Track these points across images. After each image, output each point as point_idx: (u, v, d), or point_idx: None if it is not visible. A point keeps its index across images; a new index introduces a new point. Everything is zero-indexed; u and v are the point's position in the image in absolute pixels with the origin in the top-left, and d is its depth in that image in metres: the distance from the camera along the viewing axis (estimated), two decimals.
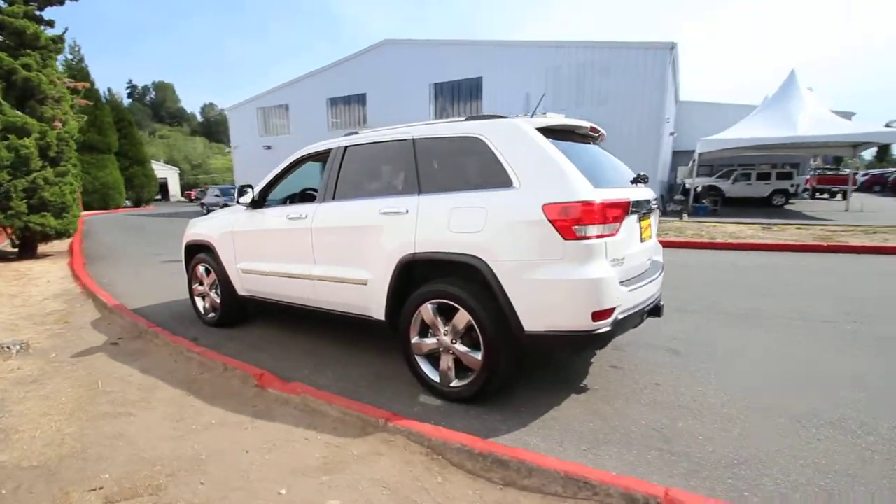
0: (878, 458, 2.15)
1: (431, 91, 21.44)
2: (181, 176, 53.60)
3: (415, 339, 2.92)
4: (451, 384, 2.79)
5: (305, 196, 4.49)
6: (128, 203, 31.70)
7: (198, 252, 4.54)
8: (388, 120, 20.50)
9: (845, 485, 1.97)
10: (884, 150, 44.89)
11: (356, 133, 3.52)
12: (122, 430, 2.45)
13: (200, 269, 4.48)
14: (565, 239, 2.38)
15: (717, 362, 3.29)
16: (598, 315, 2.41)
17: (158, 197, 39.23)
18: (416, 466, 2.11)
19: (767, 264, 6.99)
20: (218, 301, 4.35)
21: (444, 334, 2.78)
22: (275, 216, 3.76)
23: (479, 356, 2.65)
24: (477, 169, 2.77)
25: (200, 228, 4.51)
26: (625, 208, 2.59)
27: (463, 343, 2.74)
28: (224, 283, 4.22)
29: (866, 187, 28.77)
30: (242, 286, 4.09)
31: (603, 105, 17.42)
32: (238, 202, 4.08)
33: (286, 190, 4.22)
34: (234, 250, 4.07)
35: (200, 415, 2.62)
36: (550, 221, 2.39)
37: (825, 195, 24.52)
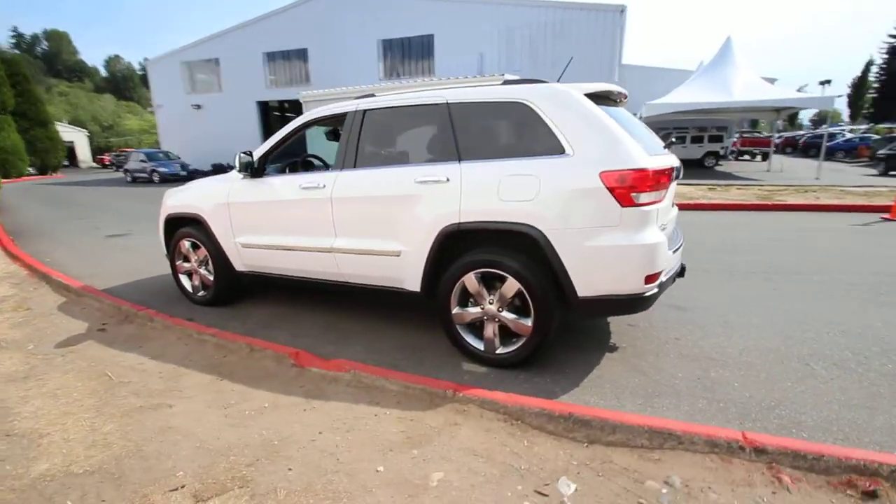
0: (884, 391, 2.49)
1: (379, 48, 20.47)
2: (90, 139, 47.86)
3: (456, 310, 2.91)
4: (497, 351, 2.84)
5: (307, 164, 4.21)
6: (31, 171, 27.95)
7: (181, 226, 4.15)
8: (333, 78, 19.41)
9: (868, 416, 2.27)
10: (795, 114, 49.29)
11: (371, 96, 3.31)
12: (169, 423, 2.27)
13: (186, 244, 4.11)
14: (623, 206, 2.43)
15: (720, 315, 3.59)
16: (649, 278, 2.53)
17: (66, 163, 34.87)
18: (498, 433, 2.16)
19: (724, 223, 7.60)
20: (211, 278, 4.04)
21: (490, 303, 2.80)
22: (283, 186, 3.50)
23: (528, 322, 2.70)
24: (523, 136, 2.72)
25: (184, 200, 4.11)
26: (670, 175, 2.68)
27: (509, 310, 2.77)
28: (218, 259, 3.92)
29: (780, 149, 31.67)
30: (242, 261, 3.82)
31: (556, 67, 17.45)
32: (234, 170, 3.76)
33: (280, 157, 3.93)
34: (230, 223, 3.76)
35: (247, 399, 2.48)
36: (608, 189, 2.43)
37: (746, 157, 26.71)
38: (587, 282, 2.53)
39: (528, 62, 18.13)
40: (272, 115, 25.26)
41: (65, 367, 2.94)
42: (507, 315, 2.77)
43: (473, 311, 2.87)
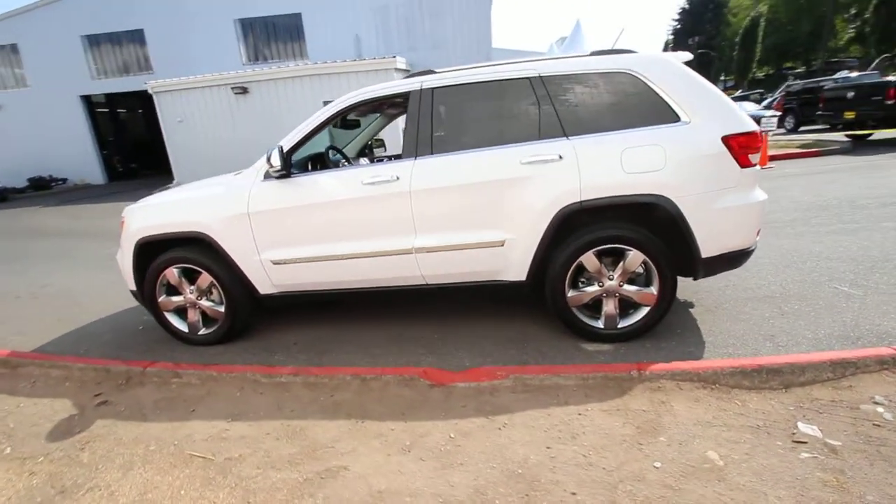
0: None
1: (238, 28, 18.17)
2: None
3: (572, 293, 2.82)
4: (619, 325, 2.83)
5: (318, 159, 3.58)
6: None
7: (164, 250, 3.22)
8: (183, 65, 16.77)
9: None
10: None
11: (431, 72, 2.93)
12: (371, 488, 1.77)
13: (174, 273, 3.20)
14: (741, 167, 2.59)
15: (758, 258, 3.83)
16: (758, 232, 2.76)
17: None
18: (708, 400, 2.17)
19: None
20: (220, 309, 3.24)
21: (609, 279, 2.77)
22: (334, 184, 2.92)
23: (653, 291, 2.74)
24: (631, 106, 2.68)
25: (171, 216, 3.18)
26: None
27: (630, 283, 2.78)
28: (234, 284, 3.15)
29: None
30: (272, 282, 3.13)
31: (437, 49, 17.56)
32: (241, 172, 3.02)
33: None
34: (253, 238, 3.03)
35: (422, 435, 2.06)
36: (731, 152, 2.55)
37: None
38: (710, 242, 2.65)
39: (407, 43, 17.86)
40: (113, 110, 20.92)
41: (106, 463, 2.10)
42: (630, 288, 2.77)
43: (591, 289, 2.81)
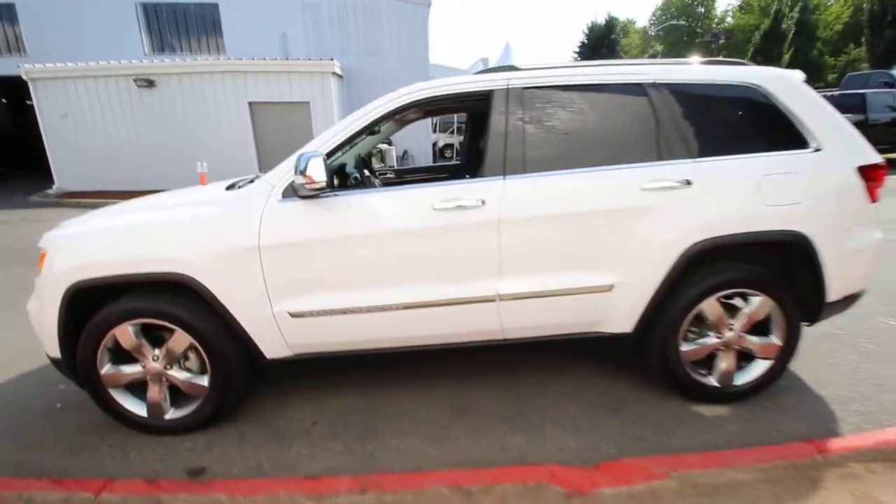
0: None
1: (139, 13, 15.83)
2: None
3: (686, 346, 2.33)
4: (736, 383, 2.40)
5: (340, 173, 2.73)
6: None
7: (110, 298, 2.16)
8: (68, 49, 14.16)
9: None
10: None
11: (514, 69, 2.30)
12: None
13: (128, 332, 2.16)
14: (871, 202, 2.30)
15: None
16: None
17: None
18: None
19: None
20: (203, 382, 2.24)
21: (730, 329, 2.32)
22: (393, 209, 2.13)
23: (777, 341, 2.35)
24: (755, 126, 2.29)
25: (133, 248, 2.12)
26: None
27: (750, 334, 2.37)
28: (228, 346, 2.20)
29: None
30: (290, 340, 2.23)
31: (373, 55, 16.73)
32: (245, 185, 2.13)
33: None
34: (264, 281, 2.12)
35: None
36: (864, 185, 2.25)
37: None
38: (838, 285, 2.32)
39: (340, 46, 16.81)
40: None
41: None
42: (752, 339, 2.35)
43: (709, 342, 2.34)
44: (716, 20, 41.97)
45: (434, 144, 18.12)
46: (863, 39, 27.78)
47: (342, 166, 2.74)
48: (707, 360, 2.40)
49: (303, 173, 1.96)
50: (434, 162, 16.64)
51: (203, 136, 12.84)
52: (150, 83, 12.70)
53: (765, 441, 2.13)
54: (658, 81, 2.22)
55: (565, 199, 2.14)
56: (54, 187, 12.59)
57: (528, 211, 2.12)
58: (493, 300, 2.19)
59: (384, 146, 12.14)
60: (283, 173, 2.14)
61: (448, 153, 19.30)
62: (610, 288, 2.21)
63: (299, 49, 16.44)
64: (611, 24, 39.67)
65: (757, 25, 33.46)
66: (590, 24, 39.84)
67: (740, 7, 39.88)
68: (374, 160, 4.13)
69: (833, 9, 33.93)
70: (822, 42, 32.67)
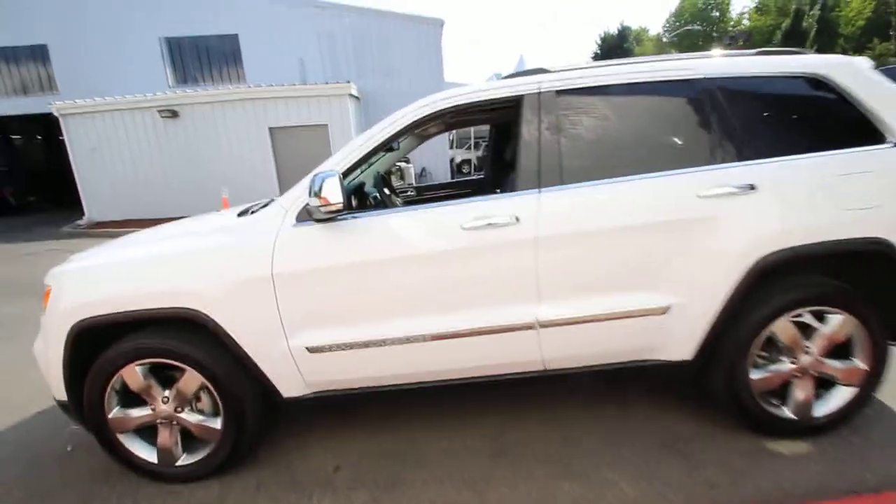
0: None
1: (164, 48, 16.40)
2: None
3: (756, 374, 2.03)
4: (815, 414, 2.08)
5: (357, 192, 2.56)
6: None
7: (118, 335, 2.01)
8: (96, 85, 14.68)
9: None
10: None
11: (544, 71, 2.10)
12: None
13: (136, 373, 1.99)
14: None
15: None
16: None
17: None
18: None
19: None
20: (216, 425, 2.05)
21: (806, 352, 2.02)
22: (417, 230, 1.93)
23: (862, 365, 2.03)
24: (823, 120, 2.02)
25: (139, 282, 1.96)
26: None
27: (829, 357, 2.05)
28: (241, 386, 2.01)
29: None
30: (308, 378, 2.03)
31: (388, 77, 16.87)
32: (257, 210, 1.96)
33: None
34: (279, 313, 1.94)
35: None
36: None
37: None
38: None
39: (356, 70, 17.04)
40: (6, 135, 17.79)
41: None
42: (833, 363, 2.04)
43: (785, 367, 2.03)
44: (731, 23, 41.36)
45: (451, 160, 18.05)
46: (891, 32, 26.90)
47: (360, 186, 2.57)
48: (780, 389, 2.09)
49: (317, 195, 1.78)
50: (452, 178, 16.53)
51: (225, 162, 13.06)
52: (174, 113, 13.02)
53: (859, 485, 1.82)
54: (710, 76, 1.98)
55: (609, 211, 1.90)
56: (84, 218, 12.92)
57: (568, 227, 1.89)
58: (531, 327, 1.95)
59: (403, 164, 12.10)
60: (297, 196, 1.97)
61: (465, 168, 19.22)
62: (665, 310, 1.95)
63: (317, 74, 16.72)
64: (623, 33, 39.56)
65: (775, 26, 32.80)
66: (602, 35, 39.83)
67: (757, 9, 39.22)
68: (393, 178, 3.96)
69: (853, 4, 33.01)
70: (844, 39, 31.74)
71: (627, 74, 2.00)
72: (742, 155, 1.93)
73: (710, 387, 2.11)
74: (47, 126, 17.27)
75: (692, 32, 39.36)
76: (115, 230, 11.02)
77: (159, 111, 12.92)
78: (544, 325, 1.94)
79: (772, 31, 33.16)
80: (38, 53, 15.79)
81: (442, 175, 16.30)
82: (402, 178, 10.38)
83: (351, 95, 13.76)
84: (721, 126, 1.94)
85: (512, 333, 1.96)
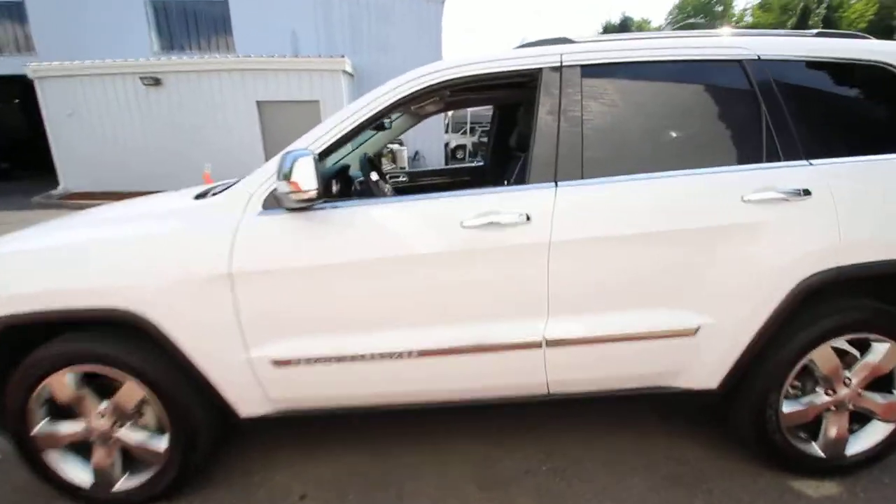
0: None
1: (149, 11, 15.56)
2: None
3: (789, 407, 1.77)
4: (847, 453, 1.84)
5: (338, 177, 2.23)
6: None
7: (47, 335, 1.67)
8: (75, 48, 13.83)
9: None
10: None
11: (567, 41, 1.76)
12: None
13: (65, 381, 1.66)
14: None
15: None
16: None
17: None
18: None
19: None
20: (161, 445, 1.74)
21: (846, 384, 1.76)
22: (410, 224, 1.62)
23: None
24: (886, 116, 1.73)
25: (69, 274, 1.61)
26: None
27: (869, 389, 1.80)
28: (192, 400, 1.70)
29: None
30: (273, 394, 1.72)
31: (385, 53, 16.25)
32: (216, 193, 1.63)
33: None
34: (238, 319, 1.62)
35: None
36: None
37: None
38: None
39: (351, 45, 16.38)
40: None
41: None
42: (873, 397, 1.79)
43: (821, 399, 1.77)
44: (734, 18, 40.94)
45: (446, 145, 17.57)
46: (895, 37, 26.83)
47: (344, 169, 2.23)
48: (812, 423, 1.84)
49: (287, 178, 1.44)
50: (446, 164, 16.10)
51: (210, 135, 12.50)
52: (157, 81, 12.38)
53: None
54: (762, 57, 1.67)
55: (639, 213, 1.61)
56: (59, 188, 12.32)
57: (590, 230, 1.59)
58: (536, 346, 1.66)
59: (396, 146, 11.62)
60: (265, 178, 1.63)
61: (460, 154, 18.73)
62: (695, 331, 1.67)
63: (310, 47, 16.03)
64: (626, 23, 38.96)
65: (778, 24, 32.47)
66: (604, 24, 39.22)
67: (760, 5, 38.81)
68: (384, 161, 3.61)
69: (857, 7, 32.76)
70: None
71: (666, 51, 1.68)
72: (794, 153, 1.64)
73: (733, 417, 1.86)
74: (25, 89, 16.44)
75: (695, 26, 38.88)
76: (90, 202, 10.46)
77: (141, 78, 12.27)
78: (552, 344, 1.66)
79: (775, 28, 32.86)
80: (15, 11, 14.88)
81: (436, 160, 15.86)
82: (393, 161, 9.84)
83: (345, 72, 13.21)
84: (773, 117, 1.64)
85: (513, 352, 1.67)
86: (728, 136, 1.69)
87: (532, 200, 1.59)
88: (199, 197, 1.90)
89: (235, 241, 1.59)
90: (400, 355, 1.66)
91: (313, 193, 1.45)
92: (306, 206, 1.53)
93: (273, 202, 1.61)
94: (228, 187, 1.86)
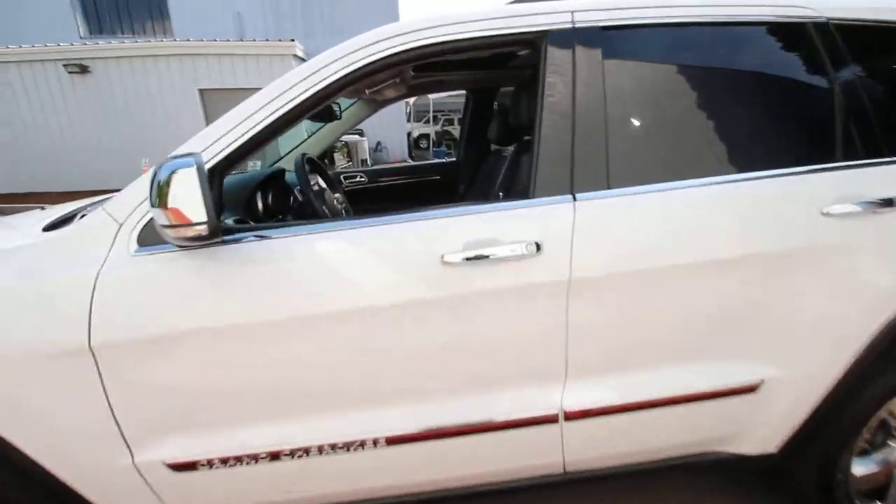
0: None
1: None
2: None
3: (862, 467, 1.39)
4: None
5: (268, 186, 1.68)
6: None
7: None
8: None
9: None
10: None
11: None
12: None
13: None
14: None
15: None
16: None
17: None
18: None
19: None
20: None
21: None
22: (351, 266, 1.10)
23: None
24: None
25: None
26: None
27: None
28: None
29: None
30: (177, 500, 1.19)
31: (338, 35, 15.13)
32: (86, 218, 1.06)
33: None
34: (110, 407, 1.07)
35: None
36: None
37: None
38: None
39: (303, 28, 15.34)
40: None
41: None
42: None
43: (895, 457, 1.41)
44: None
45: (409, 135, 16.88)
46: None
47: (276, 176, 1.67)
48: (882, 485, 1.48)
49: (161, 204, 0.90)
50: (410, 156, 15.46)
51: (147, 127, 11.36)
52: (84, 69, 11.10)
53: None
54: (834, 20, 1.24)
55: (688, 234, 1.15)
56: None
57: (623, 261, 1.12)
58: (552, 420, 1.20)
59: (355, 137, 10.83)
60: (139, 199, 1.07)
61: (423, 143, 18.05)
62: (756, 387, 1.25)
63: (257, 31, 14.90)
64: None
65: None
66: None
67: None
68: (338, 157, 3.04)
69: None
70: None
71: (714, 8, 1.22)
72: (877, 150, 1.23)
73: (793, 484, 1.47)
74: None
75: None
76: (11, 206, 9.28)
77: (65, 65, 10.95)
78: (572, 417, 1.20)
79: None
80: None
81: (399, 152, 15.18)
82: (348, 156, 8.65)
83: (296, 56, 12.27)
84: (852, 100, 1.22)
85: (519, 431, 1.20)
86: (792, 127, 1.26)
87: (542, 221, 1.11)
88: (50, 228, 1.31)
89: (95, 299, 1.03)
90: (356, 445, 1.16)
91: (203, 229, 0.90)
92: (197, 245, 0.99)
93: (155, 236, 1.05)
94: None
